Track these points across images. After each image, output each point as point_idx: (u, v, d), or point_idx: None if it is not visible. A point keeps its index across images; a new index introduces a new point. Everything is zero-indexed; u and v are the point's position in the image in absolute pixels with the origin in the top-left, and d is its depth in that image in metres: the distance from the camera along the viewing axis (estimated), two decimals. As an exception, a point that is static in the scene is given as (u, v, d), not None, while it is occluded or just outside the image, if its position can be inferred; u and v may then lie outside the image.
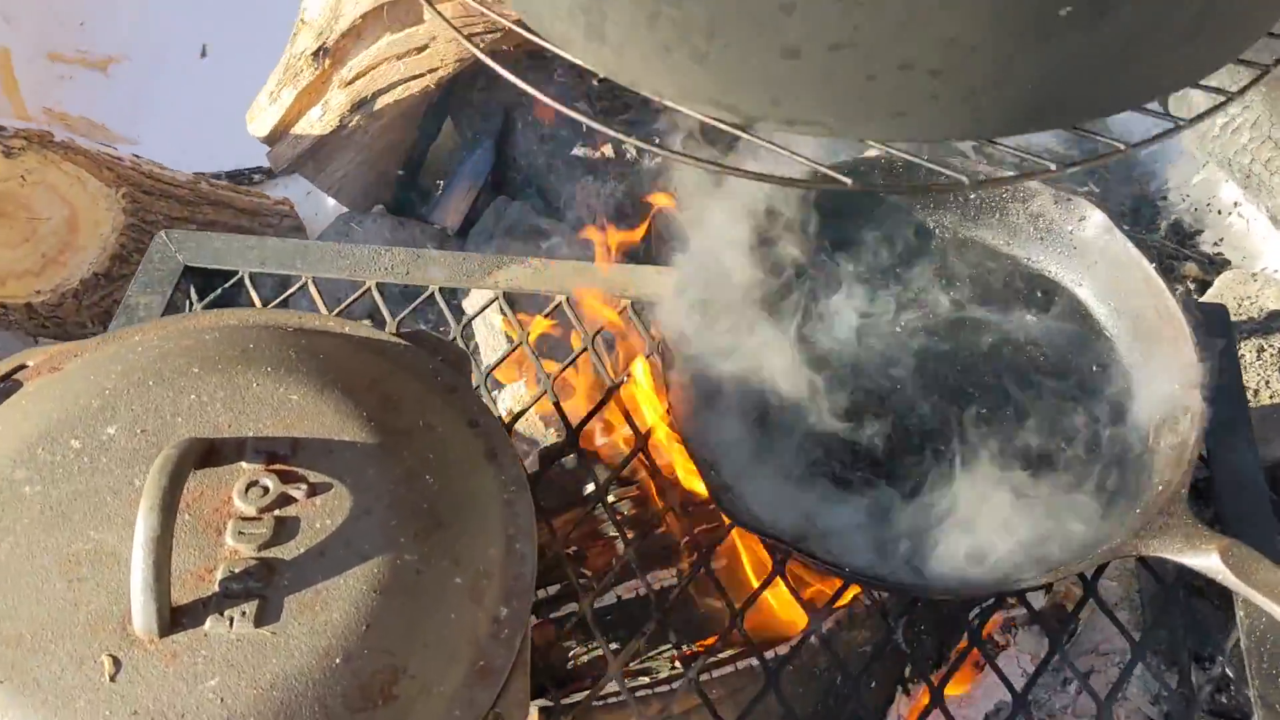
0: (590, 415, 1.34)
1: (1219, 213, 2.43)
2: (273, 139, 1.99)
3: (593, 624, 1.18)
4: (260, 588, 0.83)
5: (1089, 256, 1.36)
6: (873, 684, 1.31)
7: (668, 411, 1.32)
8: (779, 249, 1.37)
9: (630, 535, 1.29)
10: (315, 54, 1.86)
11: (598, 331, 1.40)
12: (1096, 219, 1.34)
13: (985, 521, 1.17)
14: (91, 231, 1.76)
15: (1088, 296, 1.36)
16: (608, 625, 1.27)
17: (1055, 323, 1.35)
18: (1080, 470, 1.22)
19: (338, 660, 0.81)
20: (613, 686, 1.17)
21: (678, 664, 1.32)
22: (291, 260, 1.43)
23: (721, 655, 1.26)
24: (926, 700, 1.12)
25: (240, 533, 0.85)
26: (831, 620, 1.25)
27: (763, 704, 1.12)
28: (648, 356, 1.38)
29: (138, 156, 1.95)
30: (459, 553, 0.90)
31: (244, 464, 0.90)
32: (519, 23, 0.75)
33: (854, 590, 1.23)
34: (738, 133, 0.71)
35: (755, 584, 1.21)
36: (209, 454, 0.90)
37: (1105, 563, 1.17)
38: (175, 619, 0.81)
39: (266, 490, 0.88)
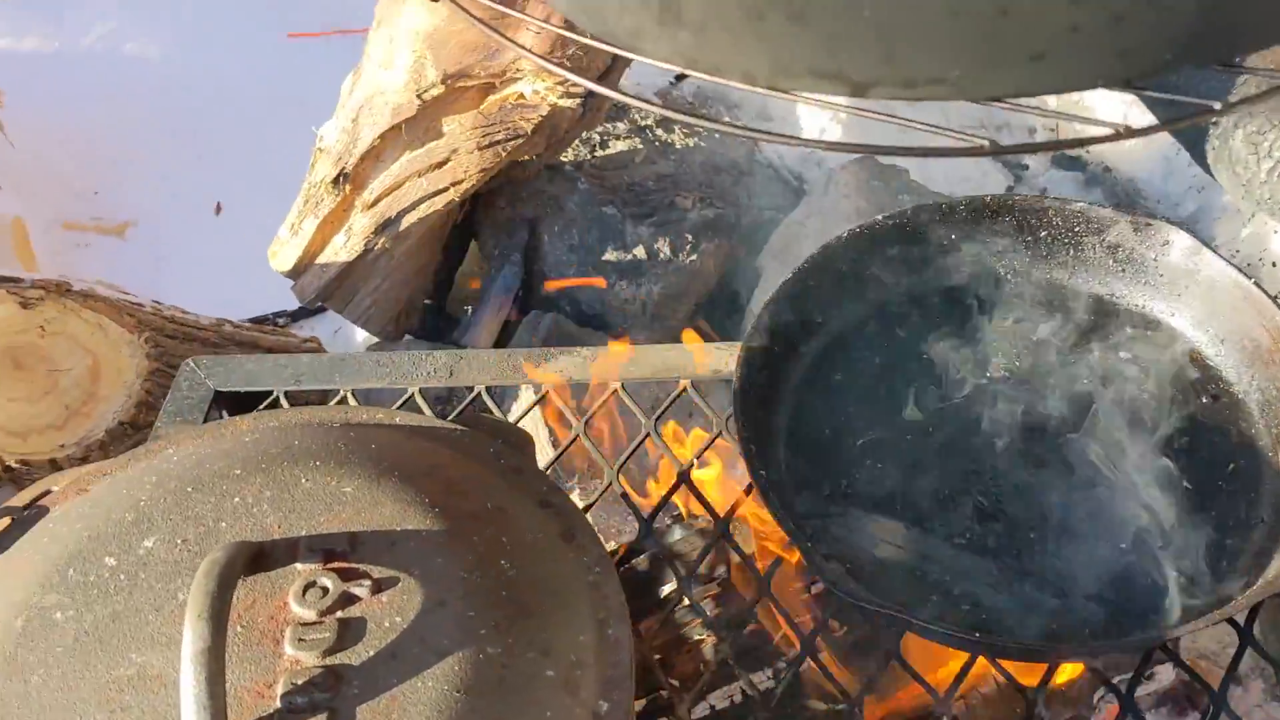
0: (661, 504, 1.23)
1: (1273, 265, 2.34)
2: (297, 271, 1.93)
3: (696, 731, 1.05)
4: (328, 699, 0.72)
5: (1178, 284, 1.26)
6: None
7: (747, 491, 1.22)
8: (844, 310, 1.29)
9: (722, 634, 1.16)
10: (335, 180, 1.82)
11: (658, 415, 1.30)
12: (1182, 242, 1.25)
13: (1115, 575, 1.06)
14: (115, 380, 1.69)
15: (1184, 326, 1.26)
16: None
17: (1152, 358, 1.25)
18: (1212, 503, 1.11)
19: (425, 774, 0.69)
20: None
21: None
22: (329, 374, 1.35)
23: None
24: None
25: (301, 640, 0.75)
26: (960, 702, 1.12)
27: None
28: (717, 436, 1.28)
29: (159, 302, 1.89)
30: (547, 642, 0.79)
31: (299, 565, 0.79)
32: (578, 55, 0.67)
33: (981, 664, 1.10)
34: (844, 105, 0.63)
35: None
36: (258, 558, 0.79)
37: (1259, 602, 1.04)
38: (235, 743, 0.69)
39: (326, 590, 0.77)
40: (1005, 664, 1.12)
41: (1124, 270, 1.29)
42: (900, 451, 1.19)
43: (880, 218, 1.31)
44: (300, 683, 0.72)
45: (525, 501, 0.92)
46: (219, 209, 2.69)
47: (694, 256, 1.99)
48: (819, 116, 2.63)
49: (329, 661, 0.74)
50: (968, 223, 1.32)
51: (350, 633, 0.76)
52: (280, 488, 0.86)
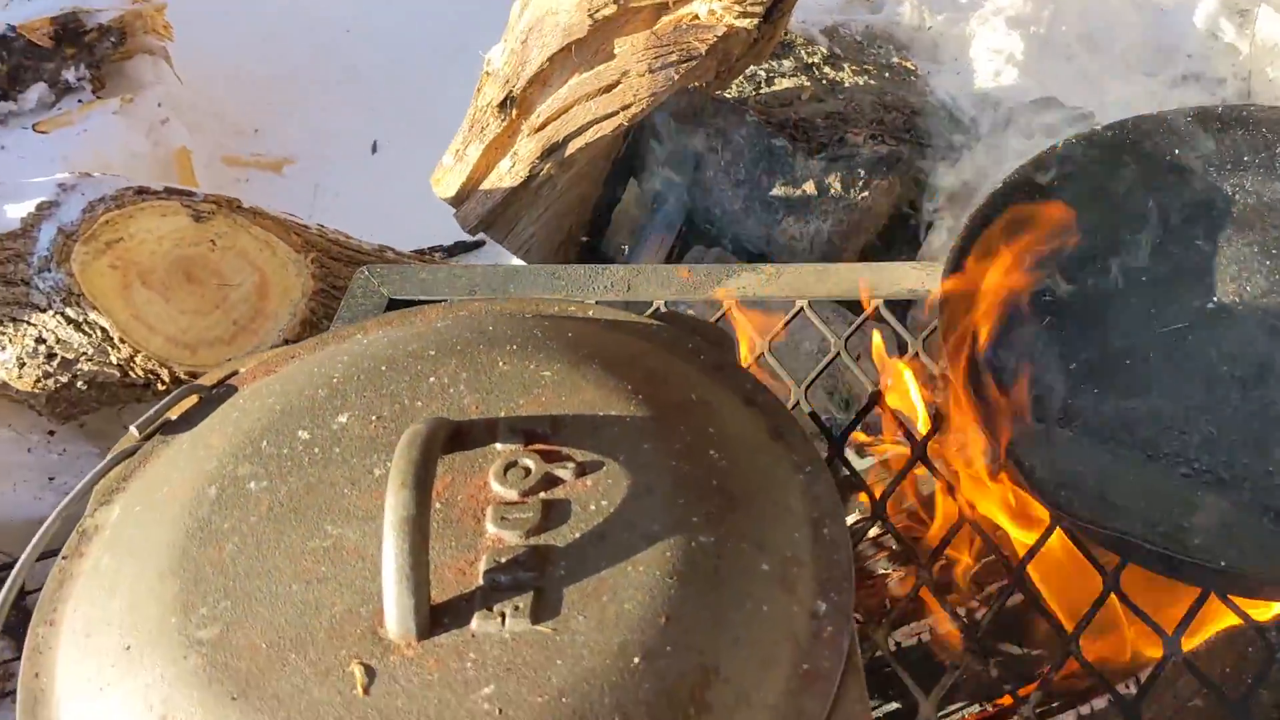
0: (854, 424, 1.16)
1: None
2: (460, 198, 1.90)
3: (893, 661, 0.98)
4: (533, 578, 0.67)
5: None
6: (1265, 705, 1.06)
7: (955, 403, 1.14)
8: (1057, 224, 1.19)
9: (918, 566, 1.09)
10: (502, 104, 1.78)
11: (849, 334, 1.23)
12: None
13: None
14: (282, 298, 1.69)
15: None
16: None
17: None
18: None
19: (636, 659, 0.64)
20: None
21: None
22: (503, 285, 1.31)
23: (1054, 702, 1.04)
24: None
25: (503, 518, 0.70)
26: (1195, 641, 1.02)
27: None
28: (914, 355, 1.20)
29: (323, 225, 1.89)
30: (761, 536, 0.73)
31: (498, 445, 0.75)
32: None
33: (1216, 608, 1.00)
34: None
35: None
36: (457, 436, 0.75)
37: None
38: (436, 618, 0.65)
39: (528, 471, 0.72)
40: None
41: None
42: (1121, 376, 1.10)
43: (1100, 127, 1.21)
44: (504, 560, 0.68)
45: (730, 396, 0.86)
46: (375, 147, 2.69)
47: (865, 193, 1.90)
48: (993, 60, 2.50)
49: (533, 541, 0.69)
50: (1195, 135, 1.21)
51: (555, 514, 0.71)
52: (476, 369, 0.81)
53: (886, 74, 2.29)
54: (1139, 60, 2.67)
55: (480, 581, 0.67)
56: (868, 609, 1.18)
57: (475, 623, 0.65)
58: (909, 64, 2.42)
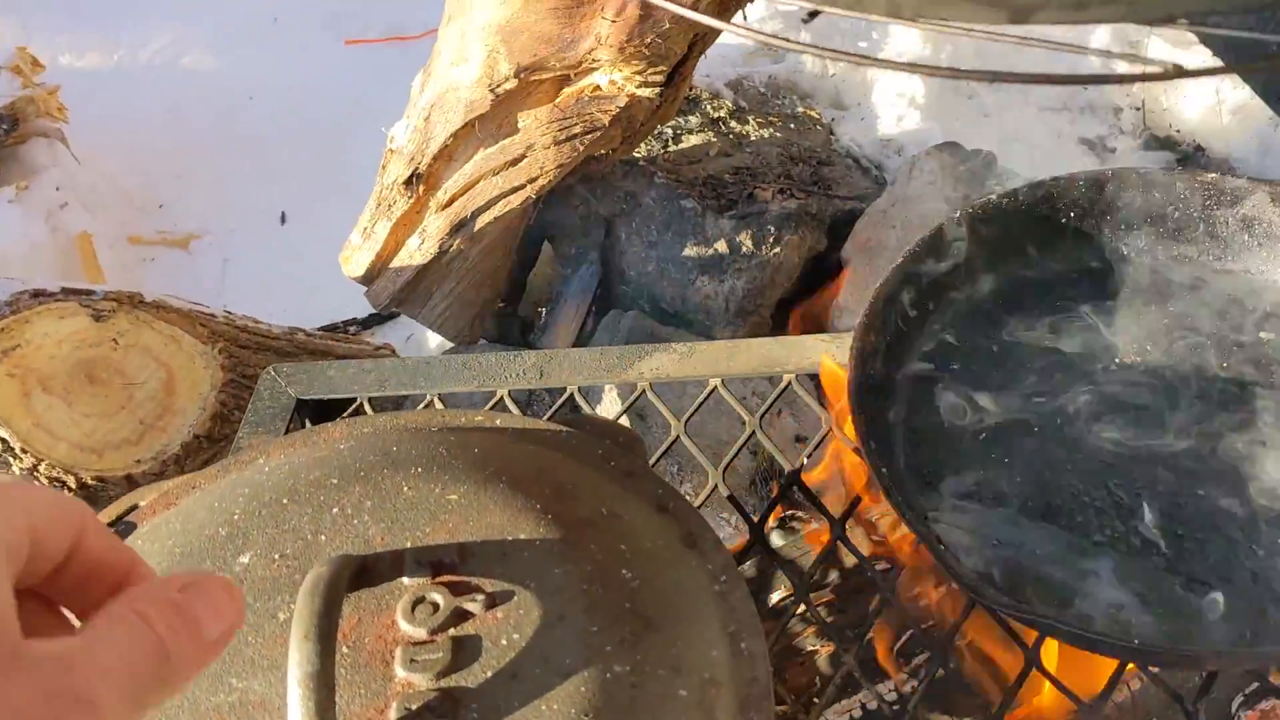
0: (770, 507, 1.16)
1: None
2: (370, 277, 1.88)
3: (822, 749, 0.98)
4: (447, 726, 0.65)
5: (1325, 255, 1.17)
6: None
7: (864, 491, 1.14)
8: (959, 295, 1.21)
9: (842, 644, 1.09)
10: (408, 181, 1.76)
11: (763, 412, 1.23)
12: (1326, 208, 1.15)
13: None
14: (190, 392, 1.65)
15: (1330, 302, 1.17)
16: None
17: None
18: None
19: (555, 808, 0.62)
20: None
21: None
22: (413, 379, 1.29)
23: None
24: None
25: (413, 660, 0.68)
26: (1113, 710, 1.03)
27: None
28: (827, 432, 1.21)
29: (230, 312, 1.85)
30: (677, 658, 0.72)
31: (405, 580, 0.73)
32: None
33: (1131, 672, 1.02)
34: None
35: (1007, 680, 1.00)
36: (362, 572, 0.73)
37: None
38: (347, 777, 0.63)
39: (436, 606, 0.71)
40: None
41: (1261, 245, 1.20)
42: (1026, 444, 1.11)
43: (994, 197, 1.23)
44: (415, 707, 0.66)
45: (641, 506, 0.85)
46: (284, 218, 2.66)
47: (777, 249, 1.91)
48: (896, 104, 2.54)
49: (444, 684, 0.67)
50: (1088, 199, 1.23)
51: (465, 652, 0.69)
52: (381, 497, 0.79)
53: (792, 124, 2.32)
54: (1038, 95, 2.73)
55: (392, 732, 0.66)
56: (797, 689, 1.17)
57: (392, 780, 0.63)
58: (813, 112, 2.45)
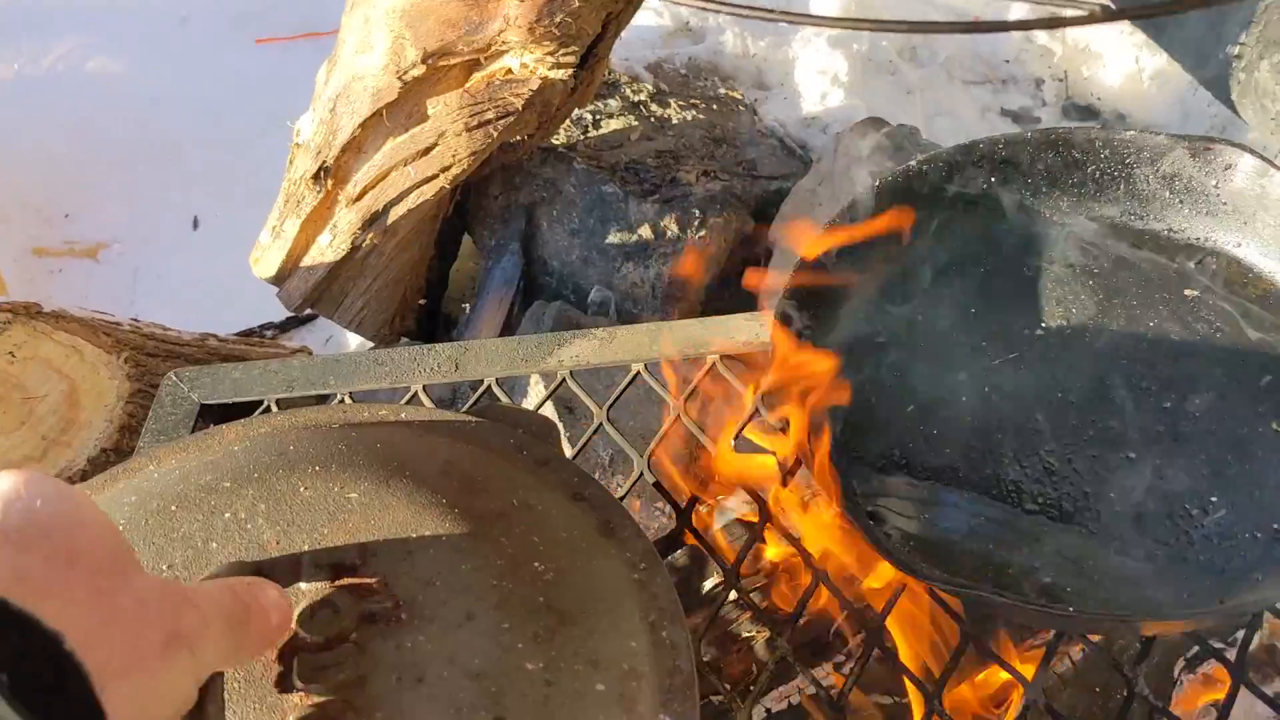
0: (696, 497, 1.12)
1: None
2: (281, 277, 1.81)
3: (760, 737, 0.94)
4: (347, 739, 0.61)
5: (1245, 210, 1.15)
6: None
7: (792, 471, 1.11)
8: (881, 267, 1.18)
9: (776, 630, 1.05)
10: (316, 176, 1.70)
11: (687, 395, 1.19)
12: (1246, 165, 1.13)
13: (1207, 535, 0.96)
14: (95, 404, 1.57)
15: (1253, 256, 1.15)
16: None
17: (1221, 295, 1.14)
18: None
19: (462, 818, 0.58)
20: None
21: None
22: (322, 378, 1.24)
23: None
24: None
25: (312, 670, 0.63)
26: (1054, 681, 1.01)
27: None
28: (754, 414, 1.17)
29: (137, 320, 1.78)
30: (594, 651, 0.68)
31: (303, 585, 0.68)
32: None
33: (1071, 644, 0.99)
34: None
35: (944, 656, 0.97)
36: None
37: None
38: (237, 792, 0.58)
39: (337, 611, 0.66)
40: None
41: (1182, 201, 1.18)
42: (955, 415, 1.09)
43: (913, 163, 1.20)
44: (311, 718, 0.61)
45: (555, 495, 0.81)
46: (196, 223, 2.57)
47: (703, 232, 1.88)
48: (818, 82, 2.52)
49: (345, 695, 0.63)
50: (1008, 162, 1.21)
51: (367, 658, 0.64)
52: (276, 499, 0.74)
53: (714, 106, 2.28)
54: (960, 69, 2.73)
55: (287, 745, 0.61)
56: (734, 677, 1.13)
57: (284, 794, 0.58)
58: (736, 94, 2.41)
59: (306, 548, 0.71)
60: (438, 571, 0.69)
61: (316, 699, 0.62)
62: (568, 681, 0.65)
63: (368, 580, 0.68)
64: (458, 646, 0.65)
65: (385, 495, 0.75)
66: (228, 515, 0.74)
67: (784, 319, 1.08)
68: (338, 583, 0.68)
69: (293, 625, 0.65)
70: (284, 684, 0.63)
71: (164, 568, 0.71)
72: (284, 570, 0.69)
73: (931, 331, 1.16)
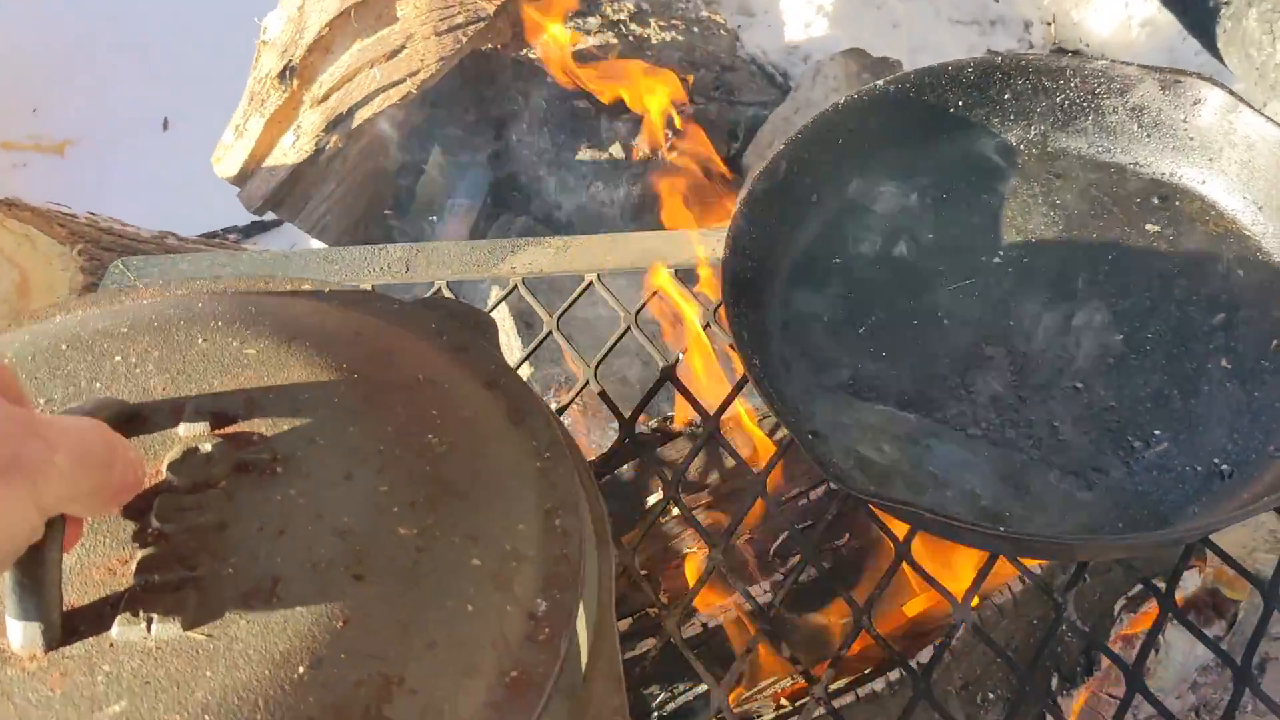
0: (644, 402, 1.10)
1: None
2: (243, 176, 1.78)
3: (683, 648, 0.92)
4: (193, 578, 0.58)
5: (1212, 146, 1.12)
6: (1050, 675, 1.04)
7: (739, 386, 1.09)
8: (841, 186, 1.15)
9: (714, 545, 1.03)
10: (281, 74, 1.66)
11: (639, 309, 1.17)
12: (1215, 100, 1.11)
13: (1147, 465, 0.95)
14: (46, 295, 1.54)
15: (1217, 193, 1.13)
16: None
17: (1183, 230, 1.12)
18: (1254, 384, 0.99)
19: (302, 669, 0.55)
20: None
21: (786, 703, 1.06)
22: (271, 271, 1.20)
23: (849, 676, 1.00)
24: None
25: (173, 509, 0.60)
26: (992, 612, 0.99)
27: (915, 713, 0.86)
28: (704, 327, 1.15)
29: (94, 213, 1.74)
30: (476, 528, 0.65)
31: (181, 430, 0.65)
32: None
33: (999, 567, 0.97)
34: None
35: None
36: (133, 420, 0.66)
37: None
38: (71, 626, 0.56)
39: (210, 458, 0.63)
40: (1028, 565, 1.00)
41: (1149, 135, 1.16)
42: (905, 338, 1.06)
43: (881, 82, 1.17)
44: (162, 557, 0.58)
45: (468, 378, 0.78)
46: (166, 124, 2.53)
47: (674, 153, 1.85)
48: (803, 11, 2.47)
49: (202, 538, 0.60)
50: (977, 87, 1.18)
51: (233, 506, 0.62)
52: (171, 348, 0.71)
53: (695, 29, 2.24)
54: (948, 6, 2.68)
55: (130, 582, 0.58)
56: (673, 591, 1.12)
57: (116, 630, 0.55)
58: (718, 17, 2.36)
59: (193, 395, 0.68)
60: (323, 431, 0.67)
61: (171, 539, 0.60)
62: (442, 551, 0.63)
63: (249, 431, 0.66)
64: (329, 504, 0.62)
65: (284, 354, 0.72)
66: (118, 359, 0.71)
67: (734, 232, 1.05)
68: (218, 430, 0.66)
69: (162, 469, 0.62)
70: (142, 522, 0.61)
71: (40, 402, 0.68)
72: (163, 414, 0.66)
73: (888, 256, 1.14)
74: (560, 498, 0.71)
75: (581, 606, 0.66)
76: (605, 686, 0.69)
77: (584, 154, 1.84)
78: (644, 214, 1.80)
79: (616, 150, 1.83)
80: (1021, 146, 1.20)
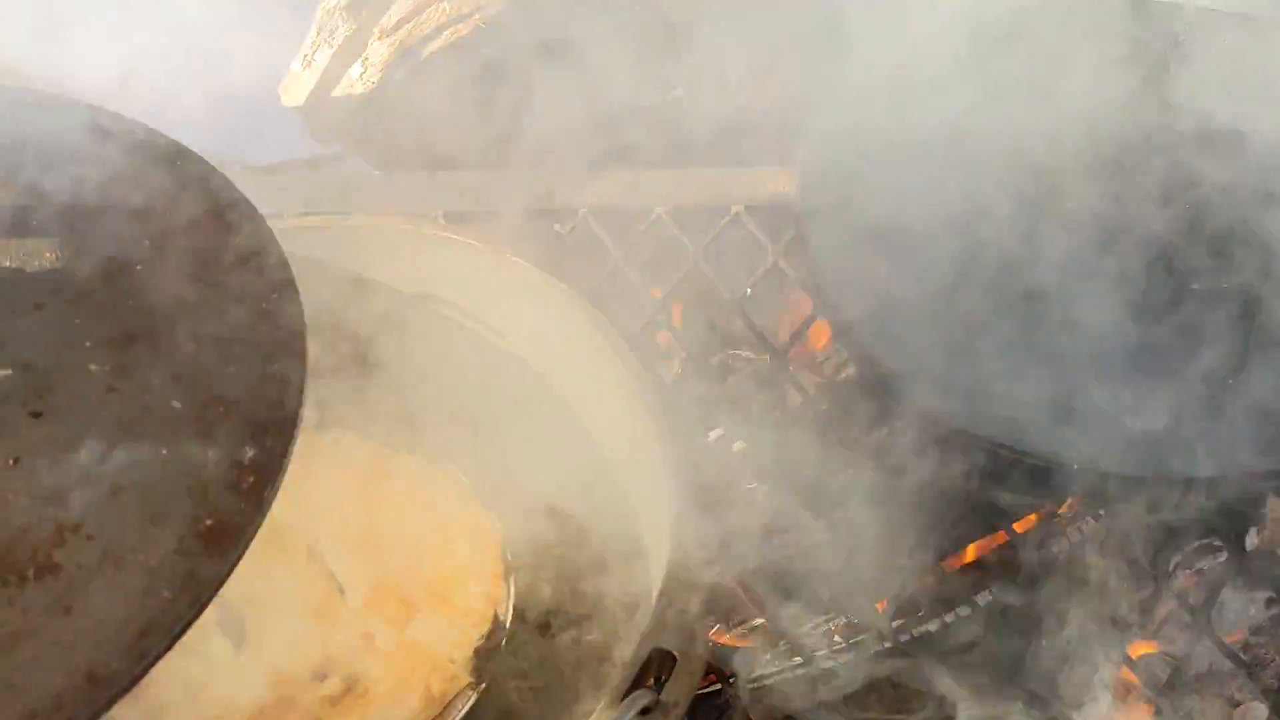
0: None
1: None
2: (310, 107, 1.78)
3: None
4: None
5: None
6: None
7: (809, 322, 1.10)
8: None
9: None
10: (350, 5, 1.67)
11: (708, 243, 1.18)
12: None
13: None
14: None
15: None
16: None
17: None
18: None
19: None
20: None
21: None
22: (345, 197, 1.24)
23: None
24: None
25: None
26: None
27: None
28: (774, 264, 1.16)
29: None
30: (179, 369, 0.64)
31: None
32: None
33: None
34: None
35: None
36: None
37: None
38: None
39: None
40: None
41: None
42: (985, 267, 1.04)
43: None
44: None
45: (193, 212, 0.74)
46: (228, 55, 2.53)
47: (739, 97, 1.84)
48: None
49: None
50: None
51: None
52: None
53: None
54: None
55: None
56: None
57: None
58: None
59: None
60: (17, 256, 0.66)
61: None
62: (137, 392, 0.62)
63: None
64: (13, 333, 0.62)
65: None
66: None
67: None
68: None
69: None
70: None
71: None
72: None
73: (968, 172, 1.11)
74: (280, 342, 0.68)
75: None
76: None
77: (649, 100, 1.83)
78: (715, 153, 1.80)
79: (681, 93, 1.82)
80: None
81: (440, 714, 0.80)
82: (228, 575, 0.56)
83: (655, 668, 0.67)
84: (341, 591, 0.85)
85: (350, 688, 0.79)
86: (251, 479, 0.60)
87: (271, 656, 0.81)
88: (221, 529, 0.57)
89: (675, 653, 0.67)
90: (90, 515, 0.55)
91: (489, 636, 0.83)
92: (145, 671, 0.52)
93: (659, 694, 0.65)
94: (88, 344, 0.61)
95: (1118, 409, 0.92)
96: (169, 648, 0.53)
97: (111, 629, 0.53)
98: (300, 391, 0.65)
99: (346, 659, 0.81)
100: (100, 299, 0.64)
